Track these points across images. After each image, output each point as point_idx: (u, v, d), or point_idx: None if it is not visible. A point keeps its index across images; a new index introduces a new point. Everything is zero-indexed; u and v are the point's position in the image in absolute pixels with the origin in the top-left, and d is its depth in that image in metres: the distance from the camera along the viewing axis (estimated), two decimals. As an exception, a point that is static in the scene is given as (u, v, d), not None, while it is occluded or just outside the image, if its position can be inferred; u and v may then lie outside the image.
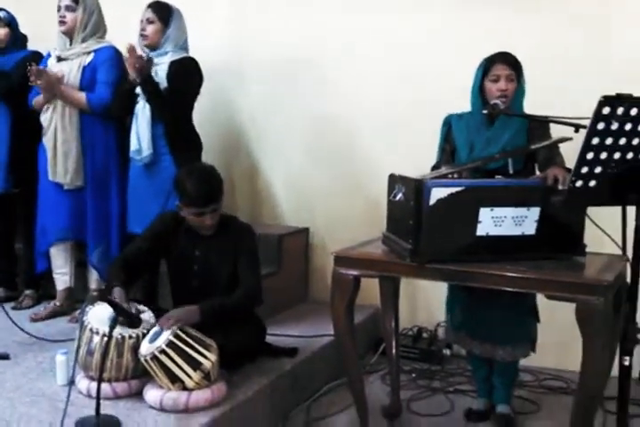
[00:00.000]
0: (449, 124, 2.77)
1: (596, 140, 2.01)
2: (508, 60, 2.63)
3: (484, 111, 2.60)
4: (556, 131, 2.56)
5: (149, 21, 3.25)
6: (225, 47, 3.92)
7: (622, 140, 2.03)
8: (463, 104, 2.73)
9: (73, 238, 3.48)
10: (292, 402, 2.90)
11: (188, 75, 3.24)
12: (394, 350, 2.86)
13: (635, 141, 2.03)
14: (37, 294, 3.75)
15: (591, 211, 2.30)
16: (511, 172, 2.52)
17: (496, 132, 2.65)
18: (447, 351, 3.48)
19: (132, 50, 3.08)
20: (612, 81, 2.79)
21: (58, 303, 3.55)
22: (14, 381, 2.72)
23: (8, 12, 3.65)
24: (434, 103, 3.09)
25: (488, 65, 2.65)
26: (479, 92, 2.67)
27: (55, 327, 3.33)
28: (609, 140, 2.02)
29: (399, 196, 2.38)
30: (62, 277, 3.58)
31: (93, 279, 3.53)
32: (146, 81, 3.12)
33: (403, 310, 3.42)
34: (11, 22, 3.64)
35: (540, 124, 2.62)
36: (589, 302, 2.12)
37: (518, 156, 2.60)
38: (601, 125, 1.98)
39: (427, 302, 3.58)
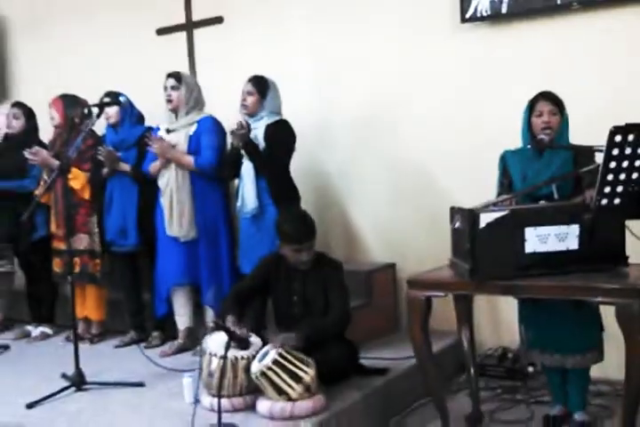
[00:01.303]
0: (505, 159, 3.19)
1: (613, 164, 2.39)
2: (549, 97, 3.04)
3: (529, 146, 3.01)
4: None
5: (249, 93, 3.84)
6: (311, 108, 4.44)
7: (638, 163, 2.40)
8: (518, 143, 3.15)
9: (189, 283, 4.05)
10: (384, 415, 3.28)
11: (282, 135, 3.79)
12: (472, 366, 3.22)
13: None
14: (164, 335, 4.32)
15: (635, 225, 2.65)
16: (556, 197, 2.89)
17: (545, 162, 3.04)
18: (531, 368, 3.77)
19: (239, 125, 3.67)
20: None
21: (181, 341, 4.11)
22: (150, 402, 3.26)
23: (121, 94, 4.30)
24: (495, 142, 3.46)
25: (532, 102, 3.06)
26: (527, 127, 3.08)
27: (181, 361, 3.85)
28: (625, 163, 2.39)
29: (457, 224, 2.81)
30: (182, 318, 4.14)
31: (209, 317, 4.07)
32: (247, 144, 3.70)
33: (487, 331, 3.81)
34: (121, 102, 4.24)
35: (585, 153, 2.97)
36: (627, 305, 2.46)
37: (563, 182, 2.96)
38: (615, 151, 2.37)
39: (510, 324, 3.88)
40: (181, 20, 5.02)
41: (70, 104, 4.43)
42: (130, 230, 4.23)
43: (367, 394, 3.20)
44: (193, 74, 4.83)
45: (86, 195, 4.34)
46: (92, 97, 4.30)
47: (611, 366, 3.02)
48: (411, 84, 4.24)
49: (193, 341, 4.12)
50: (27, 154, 4.33)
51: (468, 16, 3.96)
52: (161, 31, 5.10)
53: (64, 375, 3.57)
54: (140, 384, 3.49)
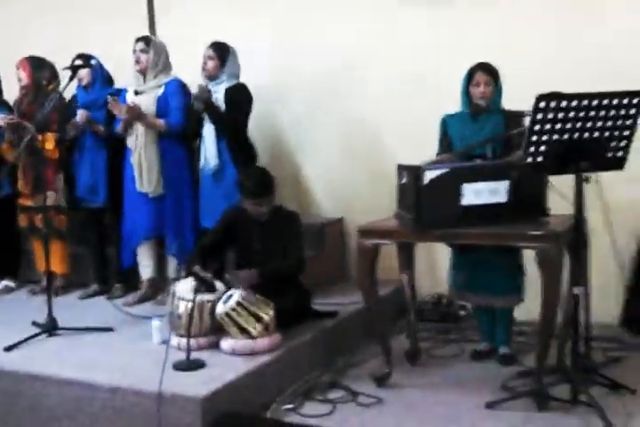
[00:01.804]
0: (445, 122, 3.55)
1: (537, 127, 2.74)
2: (485, 68, 3.39)
3: (467, 111, 3.37)
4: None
5: (210, 58, 4.10)
6: (266, 66, 4.66)
7: (558, 125, 2.76)
8: (457, 108, 3.51)
9: (156, 235, 4.32)
10: (334, 352, 3.64)
11: (241, 98, 4.07)
12: (412, 309, 3.61)
13: (567, 125, 2.76)
14: (125, 286, 4.58)
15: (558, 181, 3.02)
16: (489, 156, 3.27)
17: (480, 125, 3.41)
18: (462, 312, 4.18)
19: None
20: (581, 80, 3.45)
21: (144, 291, 4.39)
22: (120, 344, 3.54)
23: (91, 57, 4.46)
24: (436, 107, 3.78)
25: (471, 73, 3.41)
26: (466, 95, 3.44)
27: (144, 309, 4.14)
28: (547, 126, 2.75)
29: (404, 180, 3.15)
30: (146, 269, 4.41)
31: (172, 269, 4.36)
32: (208, 106, 3.97)
33: (425, 279, 4.17)
34: (93, 64, 4.40)
35: (514, 118, 3.33)
36: (545, 249, 2.85)
37: (496, 142, 3.33)
38: (539, 116, 2.72)
39: (445, 272, 4.24)
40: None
41: (38, 66, 4.58)
42: (100, 188, 4.46)
43: (318, 334, 3.57)
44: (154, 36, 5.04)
45: (55, 155, 4.52)
46: (55, 59, 4.52)
47: (534, 309, 3.42)
48: (362, 54, 4.54)
49: (155, 291, 4.40)
50: None
51: None
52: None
53: (35, 323, 3.81)
54: (110, 329, 3.78)
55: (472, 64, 3.44)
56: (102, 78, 4.55)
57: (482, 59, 3.46)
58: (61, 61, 4.38)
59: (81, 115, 4.36)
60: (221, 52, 4.12)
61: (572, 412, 2.89)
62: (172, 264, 4.37)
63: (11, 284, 4.92)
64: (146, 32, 5.02)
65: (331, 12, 4.64)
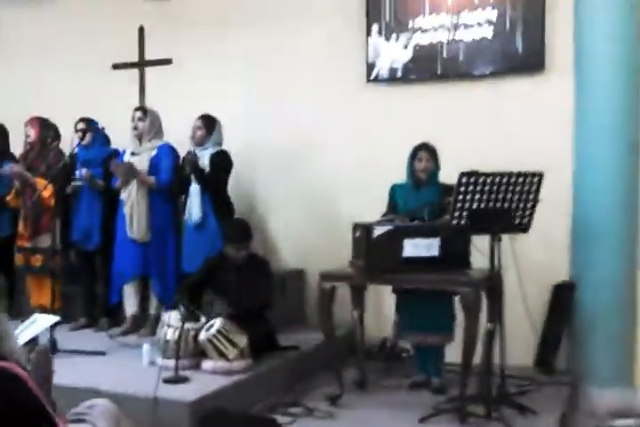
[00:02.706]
0: (393, 189, 4.52)
1: (460, 197, 3.74)
2: (426, 148, 4.40)
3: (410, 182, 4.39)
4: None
5: (199, 128, 5.07)
6: (244, 137, 5.60)
7: (477, 196, 3.76)
8: (403, 177, 4.51)
9: (141, 276, 5.15)
10: (295, 377, 4.49)
11: (223, 162, 5.04)
12: (361, 343, 4.52)
13: (484, 196, 3.76)
14: (111, 321, 5.39)
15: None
16: (426, 218, 4.23)
17: (420, 193, 4.39)
18: (404, 354, 5.07)
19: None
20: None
21: (128, 325, 5.21)
22: (114, 364, 4.36)
23: (93, 120, 5.41)
24: (385, 177, 4.75)
25: (415, 150, 4.42)
26: (410, 168, 4.43)
27: (128, 340, 4.97)
28: (468, 197, 3.74)
29: (357, 234, 4.10)
30: (130, 307, 5.25)
31: (153, 306, 5.19)
32: (195, 169, 4.91)
33: (371, 320, 5.04)
34: (92, 127, 5.38)
35: (448, 189, 4.29)
36: (466, 292, 3.81)
37: (432, 208, 4.30)
38: (462, 188, 3.72)
39: (389, 318, 5.14)
40: (135, 58, 6.24)
41: (45, 125, 5.52)
42: (94, 233, 5.33)
43: (283, 362, 4.48)
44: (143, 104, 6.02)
45: (52, 202, 5.38)
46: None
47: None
48: (323, 127, 5.59)
49: (137, 325, 5.21)
50: (6, 167, 5.35)
51: (371, 77, 5.43)
52: (117, 66, 6.27)
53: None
54: (102, 353, 4.60)
55: (416, 143, 4.46)
56: (101, 139, 5.49)
57: (424, 139, 4.49)
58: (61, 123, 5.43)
59: (85, 173, 5.25)
60: (209, 123, 5.09)
61: (486, 424, 3.78)
62: (153, 302, 5.21)
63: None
64: (135, 101, 6.04)
65: (296, 95, 5.68)
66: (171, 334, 4.21)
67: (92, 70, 6.30)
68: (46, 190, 5.30)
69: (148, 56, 6.24)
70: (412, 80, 5.35)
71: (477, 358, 4.07)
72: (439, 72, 5.23)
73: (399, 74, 5.35)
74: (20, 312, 5.66)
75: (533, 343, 4.86)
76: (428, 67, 5.26)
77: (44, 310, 5.50)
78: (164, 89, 6.08)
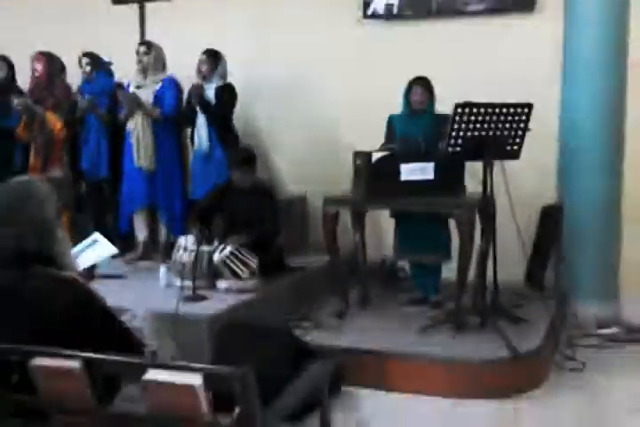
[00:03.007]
0: (391, 119, 4.85)
1: (456, 126, 4.06)
2: (421, 82, 4.70)
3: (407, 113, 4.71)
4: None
5: (204, 62, 5.33)
6: (245, 71, 5.81)
7: (470, 126, 4.08)
8: (397, 110, 4.82)
9: (149, 205, 5.51)
10: (302, 296, 4.90)
11: (228, 95, 5.34)
12: (363, 263, 4.93)
13: (477, 126, 4.08)
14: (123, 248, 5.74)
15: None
16: (422, 145, 4.56)
17: (417, 123, 4.71)
18: (401, 274, 5.50)
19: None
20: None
21: (140, 251, 5.60)
22: (134, 286, 4.74)
23: (93, 54, 5.71)
24: (382, 108, 5.07)
25: (410, 85, 4.72)
26: (407, 101, 4.74)
27: (142, 266, 5.40)
28: (463, 125, 4.07)
29: (358, 161, 4.44)
30: (142, 234, 5.63)
31: (162, 234, 5.58)
32: (202, 101, 5.21)
33: (371, 243, 5.42)
34: (95, 61, 5.69)
35: (442, 118, 4.61)
36: (460, 213, 4.19)
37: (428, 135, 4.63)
38: (457, 118, 4.04)
39: (388, 240, 5.53)
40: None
41: (51, 60, 5.73)
42: (102, 163, 5.65)
43: (292, 281, 4.90)
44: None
45: (62, 135, 5.67)
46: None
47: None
48: (322, 61, 5.81)
49: (148, 252, 5.61)
50: (15, 101, 5.60)
51: (368, 13, 5.70)
52: (117, 1, 6.45)
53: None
54: (122, 276, 4.99)
55: (412, 77, 4.75)
56: (104, 72, 5.76)
57: (419, 73, 4.79)
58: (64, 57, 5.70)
59: (86, 99, 5.54)
60: (213, 57, 5.36)
61: (481, 334, 4.20)
62: (162, 230, 5.59)
63: None
64: (136, 36, 6.26)
65: (296, 32, 5.90)
66: (186, 257, 4.59)
67: (93, 5, 6.48)
68: (56, 123, 5.59)
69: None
70: (407, 16, 5.62)
71: (472, 277, 4.48)
72: (434, 9, 5.51)
73: (395, 10, 5.62)
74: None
75: (523, 261, 5.25)
76: (422, 3, 5.53)
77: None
78: (163, 25, 6.26)
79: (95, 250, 3.84)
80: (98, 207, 5.84)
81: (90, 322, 2.25)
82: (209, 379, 1.99)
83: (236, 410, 2.02)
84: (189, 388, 1.97)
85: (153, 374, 2.02)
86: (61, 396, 2.14)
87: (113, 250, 3.94)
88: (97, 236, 3.96)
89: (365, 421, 3.50)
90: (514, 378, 3.90)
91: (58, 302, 2.21)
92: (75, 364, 2.09)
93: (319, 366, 2.65)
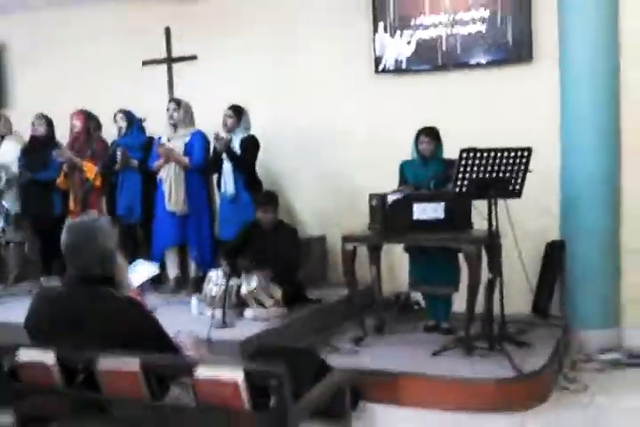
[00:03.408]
0: (403, 165, 5.31)
1: (461, 169, 4.50)
2: (428, 132, 5.18)
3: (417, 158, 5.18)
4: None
5: (230, 117, 5.85)
6: (265, 124, 6.29)
7: (475, 168, 4.52)
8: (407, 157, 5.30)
9: (179, 244, 6.00)
10: (322, 325, 5.30)
11: (252, 145, 5.86)
12: (378, 294, 5.33)
13: (481, 168, 4.52)
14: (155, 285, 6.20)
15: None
16: (432, 187, 5.02)
17: (426, 168, 5.17)
18: (416, 306, 5.89)
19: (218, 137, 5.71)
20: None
21: (172, 285, 6.07)
22: (166, 316, 5.13)
23: (128, 111, 6.30)
24: (393, 156, 5.53)
25: (418, 134, 5.20)
26: (416, 148, 5.22)
27: (174, 299, 5.80)
28: (469, 168, 4.51)
29: (374, 202, 4.88)
30: (172, 270, 6.08)
31: (192, 270, 6.03)
32: (228, 151, 5.72)
33: (386, 277, 5.82)
34: (129, 118, 6.29)
35: (450, 163, 5.04)
36: (468, 248, 4.60)
37: (438, 180, 5.08)
38: (463, 162, 4.48)
39: (401, 275, 5.90)
40: (163, 55, 7.00)
41: (89, 117, 6.34)
42: (135, 208, 6.15)
43: (312, 311, 5.31)
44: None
45: (97, 182, 6.22)
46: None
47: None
48: (338, 116, 6.33)
49: (179, 286, 6.09)
50: (55, 153, 6.16)
51: (379, 69, 6.20)
52: (146, 63, 7.02)
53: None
54: (154, 309, 5.38)
55: (419, 127, 5.24)
56: (138, 128, 6.33)
57: (427, 121, 5.29)
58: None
59: (120, 150, 6.09)
60: (238, 112, 5.89)
61: (488, 357, 4.57)
62: (192, 266, 6.05)
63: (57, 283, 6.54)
64: (165, 93, 6.87)
65: (315, 86, 6.43)
66: (216, 290, 5.03)
67: (124, 67, 7.06)
68: (92, 173, 6.14)
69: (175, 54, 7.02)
70: (415, 71, 6.15)
71: (480, 309, 4.86)
72: (439, 63, 6.03)
73: (404, 65, 6.14)
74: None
75: (528, 293, 5.62)
76: (429, 58, 6.04)
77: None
78: (189, 82, 6.83)
79: (139, 271, 4.32)
80: (131, 248, 6.29)
81: (144, 332, 2.68)
82: (249, 376, 2.40)
83: (272, 403, 2.42)
84: (233, 383, 2.38)
85: (202, 372, 2.43)
86: (122, 393, 2.56)
87: (156, 269, 4.51)
88: (138, 261, 4.50)
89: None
90: (518, 395, 4.26)
91: (119, 316, 2.64)
92: (134, 366, 2.52)
93: (341, 372, 3.04)
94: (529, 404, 4.26)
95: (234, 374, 2.39)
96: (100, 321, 2.62)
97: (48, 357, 2.64)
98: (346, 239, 4.97)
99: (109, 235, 2.79)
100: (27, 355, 2.69)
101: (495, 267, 4.75)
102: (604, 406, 4.34)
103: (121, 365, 2.53)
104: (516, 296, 5.31)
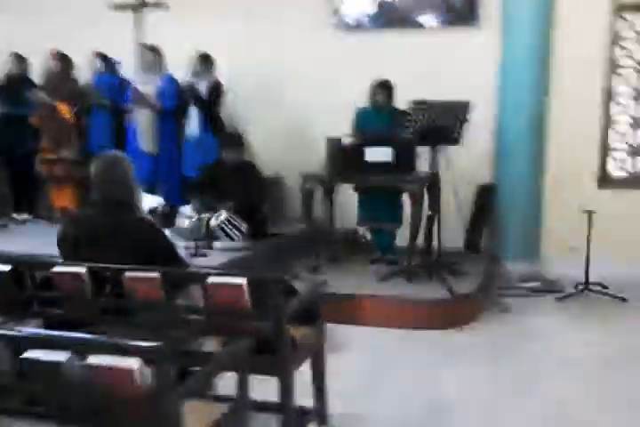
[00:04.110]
0: (358, 112, 5.96)
1: (411, 118, 5.19)
2: (383, 84, 5.82)
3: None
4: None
5: (198, 63, 6.39)
6: (230, 70, 6.84)
7: (423, 118, 5.21)
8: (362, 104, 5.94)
9: (151, 182, 6.54)
10: (284, 254, 5.96)
11: (217, 91, 6.42)
12: (332, 230, 6.04)
13: (427, 118, 5.21)
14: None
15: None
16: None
17: (379, 116, 5.83)
18: (363, 241, 6.62)
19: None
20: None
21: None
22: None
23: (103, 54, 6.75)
24: (349, 103, 6.16)
25: (372, 87, 5.84)
26: (371, 98, 5.86)
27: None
28: (417, 118, 5.20)
29: (330, 145, 5.53)
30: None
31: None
32: (196, 97, 6.28)
33: (337, 219, 6.52)
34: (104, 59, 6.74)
35: (400, 113, 5.72)
36: (412, 188, 5.32)
37: (388, 127, 5.75)
38: (412, 112, 5.17)
39: (352, 215, 6.63)
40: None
41: (64, 58, 6.75)
42: (106, 146, 6.62)
43: (274, 243, 5.96)
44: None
45: (71, 121, 6.69)
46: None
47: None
48: (297, 65, 6.87)
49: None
50: (29, 94, 6.61)
51: (342, 24, 6.87)
52: (117, 7, 7.39)
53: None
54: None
55: (374, 79, 5.89)
56: (112, 70, 6.82)
57: (381, 75, 5.93)
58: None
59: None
60: (205, 60, 6.44)
61: (427, 282, 5.36)
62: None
63: (28, 216, 7.05)
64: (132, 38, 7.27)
65: (275, 33, 6.97)
66: (188, 223, 5.65)
67: (94, 11, 7.39)
68: (66, 112, 6.61)
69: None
70: (372, 28, 6.80)
71: (420, 244, 5.61)
72: (395, 21, 6.69)
73: (363, 22, 6.78)
74: (44, 215, 7.07)
75: (462, 232, 6.41)
76: (386, 17, 6.70)
77: (65, 211, 6.89)
78: (159, 29, 7.22)
79: (146, 201, 5.03)
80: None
81: (160, 245, 3.33)
82: (251, 281, 3.06)
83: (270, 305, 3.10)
84: (239, 285, 3.04)
85: (213, 279, 3.09)
86: (144, 298, 3.19)
87: (160, 200, 5.36)
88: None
89: (338, 346, 4.58)
90: (453, 314, 5.06)
91: (140, 232, 3.28)
92: (155, 275, 3.15)
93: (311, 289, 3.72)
94: (462, 322, 5.08)
95: (239, 280, 3.05)
96: (124, 237, 3.23)
97: (79, 269, 3.22)
98: (305, 178, 5.63)
99: (129, 167, 3.38)
100: (61, 268, 3.28)
101: (435, 205, 5.50)
102: (525, 324, 5.19)
103: (144, 275, 3.15)
104: (451, 233, 6.06)
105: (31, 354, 2.28)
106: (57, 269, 3.28)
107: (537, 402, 3.90)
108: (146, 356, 2.22)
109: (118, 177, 3.35)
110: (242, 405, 2.79)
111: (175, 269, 3.24)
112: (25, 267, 3.38)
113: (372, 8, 6.74)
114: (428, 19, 6.61)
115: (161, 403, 2.24)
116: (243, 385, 2.78)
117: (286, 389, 3.17)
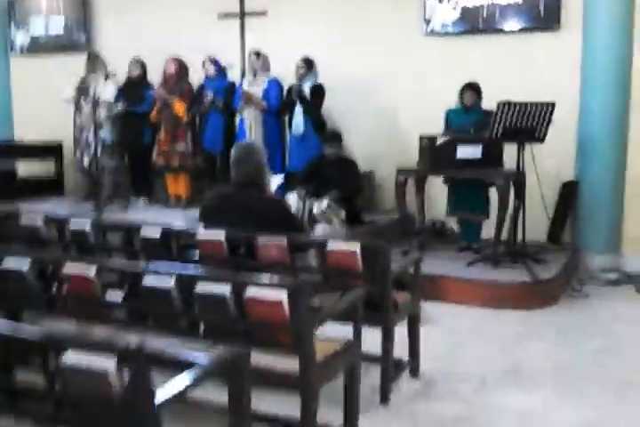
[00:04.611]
0: (448, 113, 6.54)
1: (497, 118, 5.73)
2: (470, 86, 6.39)
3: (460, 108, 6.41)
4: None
5: (301, 67, 7.09)
6: (330, 78, 7.47)
7: (509, 118, 5.75)
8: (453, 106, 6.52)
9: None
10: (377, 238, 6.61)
11: (319, 92, 7.11)
12: (422, 218, 6.63)
13: (514, 118, 5.74)
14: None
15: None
16: (472, 132, 6.26)
17: (469, 116, 6.40)
18: (449, 232, 7.18)
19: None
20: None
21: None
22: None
23: (215, 59, 7.54)
24: (439, 104, 6.76)
25: (462, 89, 6.42)
26: (460, 99, 6.44)
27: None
28: (503, 118, 5.74)
29: (424, 143, 6.13)
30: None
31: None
32: (300, 97, 6.98)
33: (426, 211, 7.09)
34: (216, 64, 7.53)
35: (488, 113, 6.26)
36: (500, 182, 5.87)
37: (477, 126, 6.31)
38: (499, 113, 5.71)
39: (437, 204, 7.21)
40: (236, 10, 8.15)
41: (181, 63, 7.59)
42: (218, 142, 7.43)
43: (367, 229, 6.55)
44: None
45: (185, 118, 7.50)
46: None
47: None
48: (390, 70, 7.51)
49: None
50: (152, 91, 7.44)
51: (428, 30, 7.43)
52: (220, 16, 8.18)
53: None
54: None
55: (463, 82, 6.46)
56: (223, 74, 7.60)
57: (469, 78, 6.50)
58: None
59: (210, 96, 7.35)
60: (308, 64, 7.14)
61: (512, 268, 5.87)
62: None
63: (146, 200, 7.91)
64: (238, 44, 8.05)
65: (369, 42, 7.64)
66: (293, 209, 6.32)
67: (201, 21, 8.25)
68: (181, 110, 7.43)
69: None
70: (458, 33, 7.36)
71: (505, 236, 6.14)
72: (480, 28, 7.24)
73: (450, 29, 7.35)
74: (160, 200, 7.90)
75: (546, 226, 6.89)
76: (471, 23, 7.26)
77: (178, 198, 7.69)
78: (262, 36, 7.96)
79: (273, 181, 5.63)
80: (212, 176, 7.60)
81: (287, 217, 4.00)
82: (364, 248, 3.69)
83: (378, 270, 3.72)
84: (353, 251, 3.68)
85: (331, 245, 3.73)
86: (273, 260, 3.85)
87: (281, 179, 6.16)
88: None
89: (428, 318, 5.15)
90: (534, 297, 5.59)
91: (272, 207, 3.97)
92: (283, 241, 3.81)
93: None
94: (542, 304, 5.59)
95: (354, 246, 3.69)
96: (259, 210, 3.92)
97: (219, 234, 3.90)
98: (399, 172, 6.25)
99: (262, 154, 4.08)
100: (203, 235, 3.97)
101: (520, 199, 6.02)
102: (601, 310, 5.66)
103: (273, 240, 3.81)
104: (535, 226, 6.55)
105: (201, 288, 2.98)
106: (200, 234, 3.98)
107: (611, 372, 4.34)
108: (291, 290, 2.87)
109: (253, 161, 4.04)
110: (354, 344, 3.41)
111: (299, 236, 3.90)
112: (172, 234, 4.11)
113: (455, 14, 7.31)
114: (511, 24, 7.11)
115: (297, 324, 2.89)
116: (357, 326, 3.42)
117: (388, 339, 3.80)
